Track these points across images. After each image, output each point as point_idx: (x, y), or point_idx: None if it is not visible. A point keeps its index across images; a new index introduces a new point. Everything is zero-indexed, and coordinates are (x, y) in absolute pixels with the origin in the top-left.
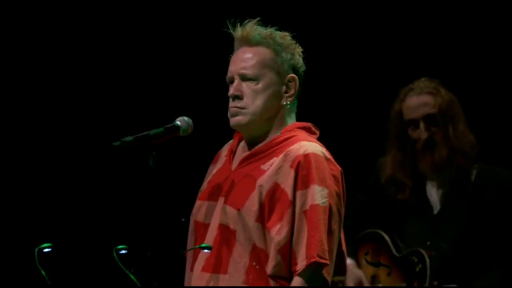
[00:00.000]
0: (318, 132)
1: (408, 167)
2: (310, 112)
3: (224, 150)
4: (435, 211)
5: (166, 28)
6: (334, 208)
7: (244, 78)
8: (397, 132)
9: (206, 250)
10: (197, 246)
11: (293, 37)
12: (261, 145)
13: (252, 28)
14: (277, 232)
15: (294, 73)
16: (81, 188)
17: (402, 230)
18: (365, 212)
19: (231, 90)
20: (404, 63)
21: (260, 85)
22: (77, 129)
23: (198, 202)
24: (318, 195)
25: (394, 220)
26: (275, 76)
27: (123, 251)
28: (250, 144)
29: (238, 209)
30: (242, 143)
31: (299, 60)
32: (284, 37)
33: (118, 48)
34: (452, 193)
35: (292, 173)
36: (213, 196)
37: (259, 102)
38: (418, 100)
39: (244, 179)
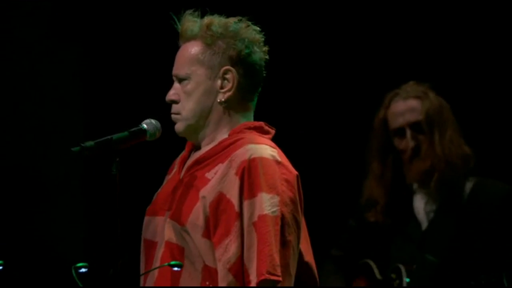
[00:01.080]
0: (272, 132)
1: (387, 183)
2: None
3: (179, 158)
4: (423, 228)
5: (125, 26)
6: (288, 217)
7: (178, 79)
8: (380, 142)
9: (176, 268)
10: (165, 264)
11: (259, 26)
12: (206, 150)
13: (188, 21)
14: (225, 248)
15: (233, 64)
16: (35, 198)
17: (389, 253)
18: (356, 240)
19: (167, 95)
20: (393, 66)
21: (190, 85)
22: (32, 133)
23: (146, 218)
24: (267, 203)
25: (381, 244)
26: (206, 71)
27: (83, 270)
28: (198, 151)
29: (183, 225)
30: (194, 151)
31: (243, 48)
32: (225, 24)
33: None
34: (441, 208)
35: (237, 181)
36: (160, 210)
37: (190, 104)
38: (404, 106)
39: (187, 190)
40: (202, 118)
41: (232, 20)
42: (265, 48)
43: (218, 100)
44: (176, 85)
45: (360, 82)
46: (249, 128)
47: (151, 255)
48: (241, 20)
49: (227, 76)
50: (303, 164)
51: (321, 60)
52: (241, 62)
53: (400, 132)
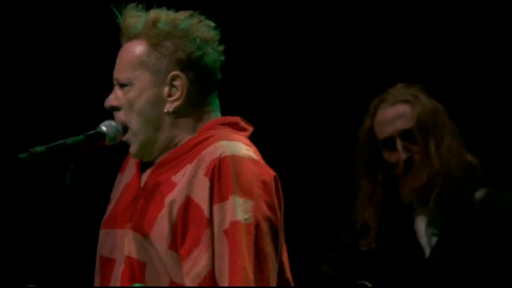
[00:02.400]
0: (250, 129)
1: (379, 203)
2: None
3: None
4: (426, 254)
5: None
6: (264, 225)
7: (119, 84)
8: (368, 156)
9: None
10: (129, 286)
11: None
12: (171, 150)
13: (130, 15)
14: (194, 261)
15: (182, 68)
16: None
17: (390, 281)
18: (351, 259)
19: (106, 100)
20: (382, 66)
21: (133, 92)
22: None
23: (102, 232)
24: (240, 209)
25: (379, 272)
26: (151, 76)
27: None
28: (161, 155)
29: (146, 235)
30: None
31: (193, 50)
32: (174, 21)
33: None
34: (445, 230)
35: (206, 182)
36: (119, 222)
37: (134, 115)
38: (392, 112)
39: (151, 197)
40: (151, 132)
41: (182, 15)
42: (221, 48)
43: (165, 111)
44: (117, 89)
45: (347, 84)
46: (223, 124)
47: (109, 274)
48: (192, 15)
49: (175, 82)
50: (287, 166)
51: (304, 57)
52: (192, 66)
53: (389, 143)
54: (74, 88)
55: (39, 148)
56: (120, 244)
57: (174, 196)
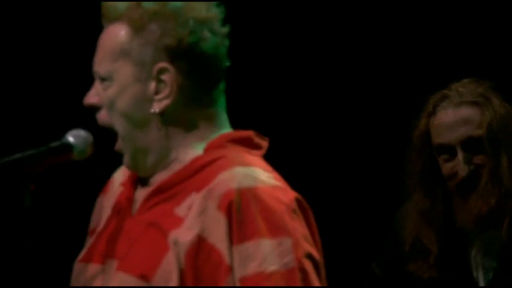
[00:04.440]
0: (264, 144)
1: (439, 223)
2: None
3: (122, 174)
4: None
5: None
6: (309, 265)
7: (99, 78)
8: (422, 164)
9: None
10: None
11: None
12: (168, 172)
13: None
14: None
15: (172, 59)
16: None
17: None
18: None
19: (85, 97)
20: (440, 57)
21: (113, 88)
22: None
23: (77, 265)
24: (273, 254)
25: None
26: (133, 68)
27: None
28: (158, 172)
29: (145, 279)
30: None
31: (185, 34)
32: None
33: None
34: (507, 262)
35: (222, 218)
36: (100, 256)
37: (117, 116)
38: (455, 115)
39: (149, 232)
40: (139, 138)
41: None
42: (224, 30)
43: (152, 111)
44: (97, 84)
45: (394, 76)
46: (233, 141)
47: None
48: None
49: (163, 76)
50: (307, 187)
51: (335, 46)
52: (184, 54)
53: (446, 150)
54: (40, 86)
55: None
56: (94, 283)
57: (181, 234)
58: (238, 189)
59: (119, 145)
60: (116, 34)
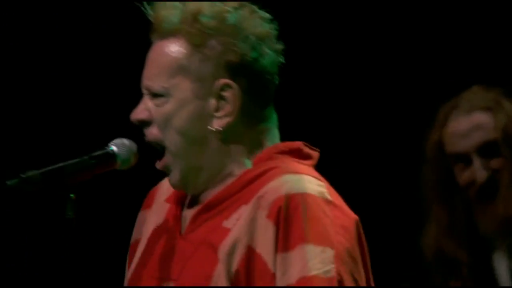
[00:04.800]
0: (315, 155)
1: (462, 232)
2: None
3: (166, 189)
4: None
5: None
6: (348, 279)
7: (151, 93)
8: (437, 175)
9: None
10: None
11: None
12: (219, 188)
13: (164, 7)
14: None
15: (233, 75)
16: None
17: None
18: None
19: (133, 113)
20: (449, 67)
21: (170, 105)
22: None
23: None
24: (316, 260)
25: None
26: (193, 85)
27: None
28: (208, 189)
29: None
30: None
31: (247, 50)
32: (220, 14)
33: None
34: None
35: (270, 226)
36: (153, 278)
37: (172, 133)
38: (468, 122)
39: (200, 251)
40: (194, 156)
41: (229, 5)
42: (278, 46)
43: (213, 129)
44: (147, 100)
45: (406, 88)
46: (281, 153)
47: None
48: (242, 5)
49: (225, 93)
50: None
51: (357, 59)
52: (245, 71)
53: (461, 159)
54: (84, 96)
55: (32, 173)
56: None
57: (230, 246)
58: (286, 195)
59: (166, 162)
60: (173, 49)
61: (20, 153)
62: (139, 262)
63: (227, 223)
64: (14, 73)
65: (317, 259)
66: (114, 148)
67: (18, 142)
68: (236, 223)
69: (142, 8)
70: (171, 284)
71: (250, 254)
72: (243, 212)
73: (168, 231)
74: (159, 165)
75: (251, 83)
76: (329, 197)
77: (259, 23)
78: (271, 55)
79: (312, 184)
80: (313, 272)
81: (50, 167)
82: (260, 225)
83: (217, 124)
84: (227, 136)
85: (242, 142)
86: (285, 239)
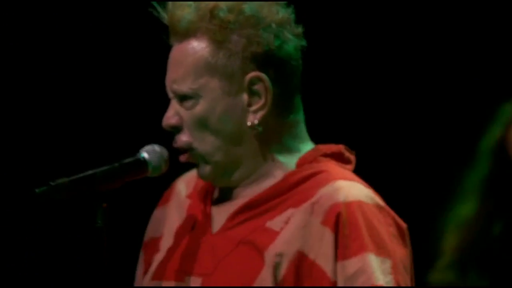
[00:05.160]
0: (353, 159)
1: (474, 234)
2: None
3: (185, 185)
4: None
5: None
6: None
7: (178, 96)
8: (488, 173)
9: None
10: None
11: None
12: (256, 187)
13: (178, 6)
14: None
15: (261, 66)
16: None
17: None
18: None
19: (163, 119)
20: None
21: (200, 106)
22: None
23: (150, 283)
24: (379, 271)
25: None
26: (221, 82)
27: None
28: (238, 189)
29: None
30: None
31: (271, 39)
32: (236, 6)
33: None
34: None
35: (328, 234)
36: (174, 272)
37: (206, 135)
38: None
39: (241, 250)
40: (230, 153)
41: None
42: (299, 30)
43: (249, 124)
44: (175, 104)
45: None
46: (325, 156)
47: None
48: None
49: (256, 87)
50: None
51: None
52: (272, 61)
53: None
54: (111, 102)
55: (61, 181)
56: None
57: (279, 249)
58: (345, 202)
59: (193, 156)
60: (197, 49)
61: (49, 160)
62: (165, 258)
63: (272, 225)
64: (41, 79)
65: (380, 269)
66: (145, 155)
67: (47, 149)
68: (284, 226)
69: (155, 12)
70: (200, 279)
71: (302, 260)
72: (292, 216)
73: (195, 227)
74: (184, 157)
75: (279, 71)
76: (381, 204)
77: (276, 9)
78: (293, 40)
79: (364, 191)
80: (379, 282)
81: (80, 175)
82: (315, 231)
83: (251, 119)
84: (262, 130)
85: (274, 136)
86: (345, 247)
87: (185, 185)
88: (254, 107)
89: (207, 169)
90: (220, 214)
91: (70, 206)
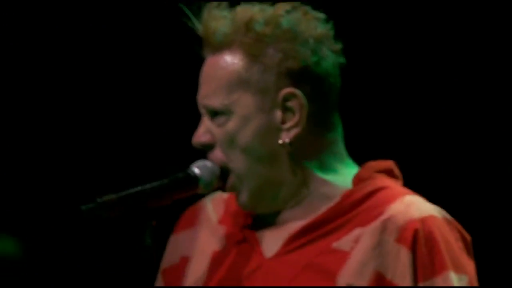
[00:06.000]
0: (400, 175)
1: None
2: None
3: (213, 209)
4: None
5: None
6: None
7: (210, 112)
8: None
9: None
10: None
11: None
12: (312, 208)
13: (214, 17)
14: None
15: (296, 82)
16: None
17: None
18: None
19: (194, 136)
20: None
21: (233, 123)
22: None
23: None
24: None
25: None
26: (255, 98)
27: None
28: (288, 208)
29: None
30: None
31: (308, 54)
32: (273, 19)
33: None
34: None
35: (404, 252)
36: None
37: (238, 153)
38: None
39: (307, 274)
40: (264, 174)
41: (280, 9)
42: (337, 46)
43: (280, 142)
44: (206, 120)
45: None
46: (379, 172)
47: None
48: (294, 7)
49: (290, 103)
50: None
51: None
52: (308, 77)
53: None
54: (150, 119)
55: (108, 197)
56: None
57: (353, 271)
58: (420, 219)
59: (232, 183)
60: (230, 63)
61: (91, 176)
62: (206, 284)
63: (340, 245)
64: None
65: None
66: (196, 170)
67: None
68: (354, 246)
69: (190, 24)
70: None
71: (380, 280)
72: (361, 235)
73: (243, 252)
74: (226, 188)
75: (315, 88)
76: (449, 217)
77: (315, 24)
78: (331, 56)
79: (432, 205)
80: None
81: (128, 191)
82: (389, 250)
83: (285, 137)
84: (295, 148)
85: (312, 155)
86: (425, 266)
87: (213, 208)
88: (287, 125)
89: (245, 197)
90: (270, 238)
91: (117, 224)
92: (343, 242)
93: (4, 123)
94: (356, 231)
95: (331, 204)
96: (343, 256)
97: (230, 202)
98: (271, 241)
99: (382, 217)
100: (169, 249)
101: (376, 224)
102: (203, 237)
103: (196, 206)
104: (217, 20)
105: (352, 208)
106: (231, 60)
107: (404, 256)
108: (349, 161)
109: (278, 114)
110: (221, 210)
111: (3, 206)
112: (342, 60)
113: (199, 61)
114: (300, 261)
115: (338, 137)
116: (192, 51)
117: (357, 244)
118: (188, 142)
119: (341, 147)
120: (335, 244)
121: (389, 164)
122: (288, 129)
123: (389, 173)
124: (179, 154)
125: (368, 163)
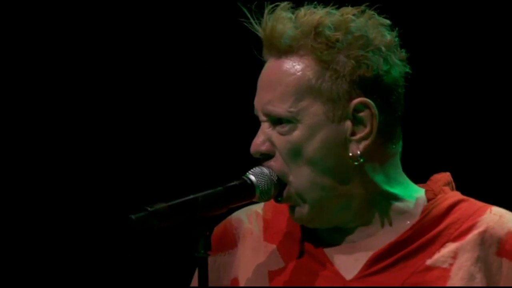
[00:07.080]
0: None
1: None
2: None
3: (245, 229)
4: None
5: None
6: None
7: (272, 119)
8: None
9: None
10: None
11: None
12: (391, 225)
13: (279, 19)
14: None
15: (368, 91)
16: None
17: None
18: None
19: (252, 145)
20: None
21: (299, 132)
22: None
23: None
24: None
25: None
26: (325, 107)
27: None
28: (362, 225)
29: None
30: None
31: (380, 62)
32: (343, 23)
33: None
34: None
35: (506, 265)
36: None
37: (303, 167)
38: None
39: None
40: (329, 188)
41: (347, 12)
42: (403, 55)
43: (350, 154)
44: (266, 128)
45: None
46: (446, 185)
47: None
48: (362, 11)
49: (361, 114)
50: None
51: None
52: (379, 86)
53: None
54: (203, 127)
55: (159, 206)
56: None
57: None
58: None
59: (289, 194)
60: (299, 68)
61: (140, 184)
62: None
63: (435, 263)
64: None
65: None
66: (252, 177)
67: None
68: (453, 262)
69: (249, 26)
70: None
71: None
72: (458, 250)
73: (315, 275)
74: (283, 199)
75: (385, 98)
76: None
77: (382, 30)
78: (399, 65)
79: None
80: None
81: (180, 199)
82: (490, 263)
83: (355, 150)
84: (364, 162)
85: (380, 168)
86: None
87: (251, 222)
88: (357, 136)
89: (304, 210)
90: (344, 257)
91: (169, 233)
92: (438, 259)
93: (57, 130)
94: (449, 246)
95: (412, 220)
96: (442, 273)
97: (272, 217)
98: (346, 261)
99: (476, 230)
100: (212, 272)
101: (471, 237)
102: (248, 256)
103: (230, 224)
104: (283, 23)
105: (437, 223)
106: (300, 65)
107: (506, 268)
108: (402, 171)
109: (348, 124)
110: (260, 225)
111: (52, 214)
112: (407, 69)
113: (257, 64)
114: (392, 283)
115: (399, 149)
116: (252, 54)
117: (455, 260)
118: (236, 148)
119: (398, 160)
120: (429, 261)
121: (450, 176)
122: (358, 141)
123: (451, 185)
124: (225, 161)
125: (434, 176)
